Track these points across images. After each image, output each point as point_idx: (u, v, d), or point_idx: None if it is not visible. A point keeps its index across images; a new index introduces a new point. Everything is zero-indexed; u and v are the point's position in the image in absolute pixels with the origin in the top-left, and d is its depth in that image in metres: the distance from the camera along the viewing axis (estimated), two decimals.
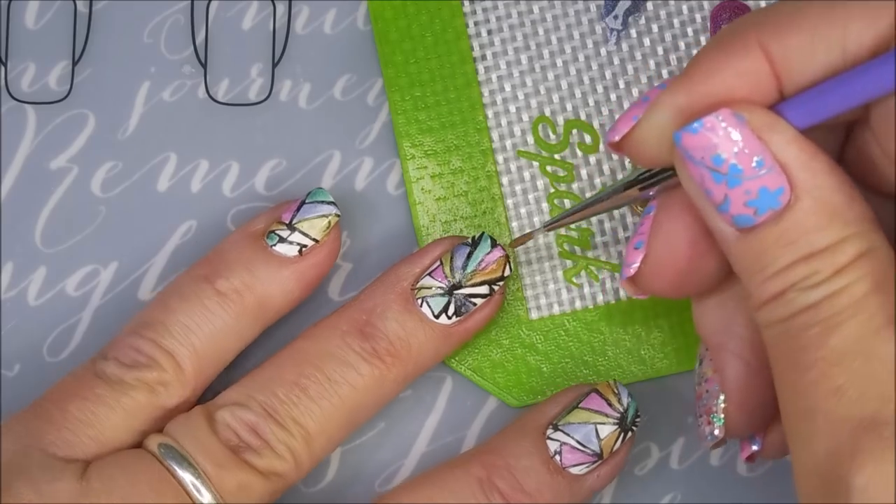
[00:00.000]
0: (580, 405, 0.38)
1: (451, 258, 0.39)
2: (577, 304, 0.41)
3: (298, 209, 0.39)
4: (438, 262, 0.39)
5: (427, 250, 0.39)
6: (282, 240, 0.39)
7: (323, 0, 0.43)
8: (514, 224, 0.41)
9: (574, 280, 0.41)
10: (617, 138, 0.33)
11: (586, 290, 0.41)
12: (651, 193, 0.34)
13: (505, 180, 0.42)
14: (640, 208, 0.41)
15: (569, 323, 0.41)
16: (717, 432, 0.35)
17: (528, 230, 0.41)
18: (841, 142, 0.33)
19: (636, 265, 0.34)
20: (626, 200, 0.36)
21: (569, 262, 0.41)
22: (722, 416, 0.35)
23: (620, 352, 0.41)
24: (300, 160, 0.42)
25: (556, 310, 0.41)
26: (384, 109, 0.42)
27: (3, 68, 0.42)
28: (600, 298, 0.41)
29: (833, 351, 0.29)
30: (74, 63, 0.42)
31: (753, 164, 0.30)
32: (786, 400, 0.30)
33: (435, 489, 0.38)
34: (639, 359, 0.41)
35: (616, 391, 0.38)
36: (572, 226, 0.41)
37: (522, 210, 0.41)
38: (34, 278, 0.42)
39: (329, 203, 0.39)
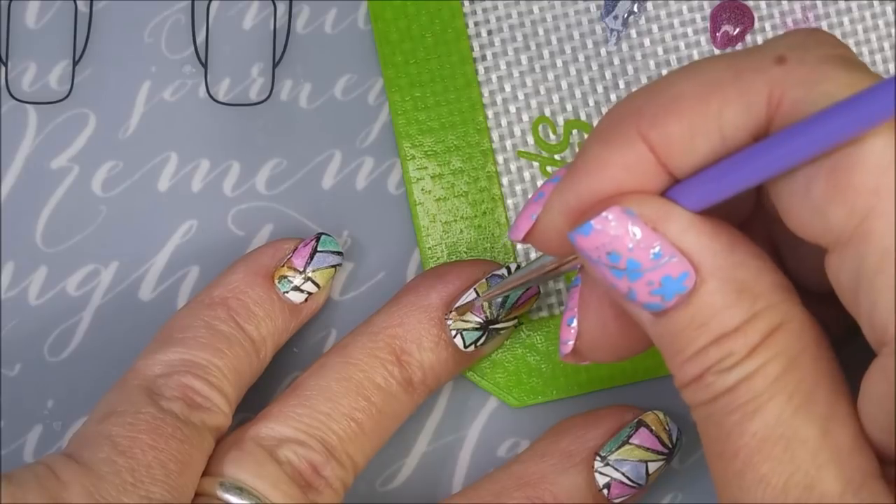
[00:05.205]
0: (630, 440, 0.38)
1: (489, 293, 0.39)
2: None
3: (311, 257, 0.40)
4: (474, 293, 0.39)
5: (458, 273, 0.39)
6: (295, 287, 0.39)
7: (323, 0, 0.43)
8: None
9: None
10: (520, 238, 0.32)
11: None
12: (578, 266, 0.34)
13: (505, 181, 0.42)
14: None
15: None
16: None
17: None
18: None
19: (571, 342, 0.34)
20: (554, 274, 0.35)
21: None
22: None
23: None
24: (301, 160, 0.42)
25: (556, 310, 0.41)
26: (384, 109, 0.42)
27: (3, 68, 0.42)
28: None
29: (754, 438, 0.28)
30: (75, 63, 0.42)
31: (651, 256, 0.29)
32: (719, 490, 0.30)
33: None
34: (638, 358, 0.41)
35: (667, 428, 0.39)
36: None
37: None
38: (35, 278, 0.42)
39: (339, 253, 0.40)
